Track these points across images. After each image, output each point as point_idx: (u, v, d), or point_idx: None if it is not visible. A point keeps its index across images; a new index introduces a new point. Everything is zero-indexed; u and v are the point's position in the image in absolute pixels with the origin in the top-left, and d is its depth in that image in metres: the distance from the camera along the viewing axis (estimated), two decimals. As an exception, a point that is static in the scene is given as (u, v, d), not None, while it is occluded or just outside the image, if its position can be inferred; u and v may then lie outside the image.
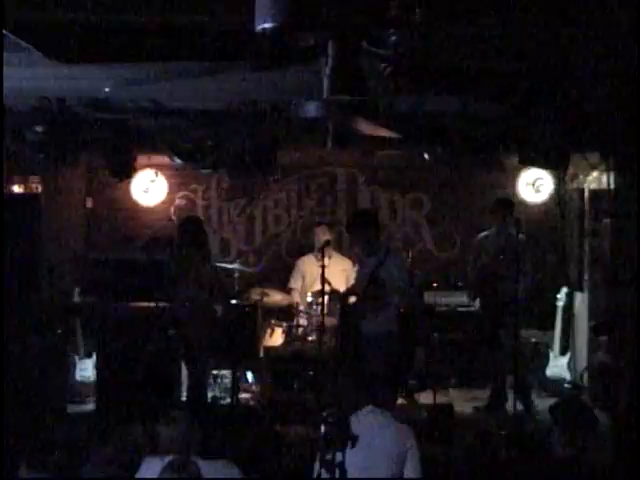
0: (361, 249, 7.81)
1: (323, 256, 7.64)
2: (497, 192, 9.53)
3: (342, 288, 8.81)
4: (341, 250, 9.39)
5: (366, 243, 7.61)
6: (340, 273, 8.88)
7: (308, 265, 9.08)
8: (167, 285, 7.72)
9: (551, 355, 9.22)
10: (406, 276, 7.71)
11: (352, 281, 8.71)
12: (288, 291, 9.18)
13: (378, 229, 7.71)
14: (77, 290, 9.09)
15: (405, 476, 4.72)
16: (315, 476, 4.21)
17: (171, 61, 4.23)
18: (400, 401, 7.88)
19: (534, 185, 9.91)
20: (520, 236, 7.85)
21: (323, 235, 8.77)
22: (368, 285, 7.51)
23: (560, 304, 9.35)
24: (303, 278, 9.07)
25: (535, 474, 4.45)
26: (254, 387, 8.77)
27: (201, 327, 7.57)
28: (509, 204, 8.59)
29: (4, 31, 3.85)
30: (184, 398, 8.01)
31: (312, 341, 8.47)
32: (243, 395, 8.53)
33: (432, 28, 3.61)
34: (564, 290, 9.40)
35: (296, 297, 9.01)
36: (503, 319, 8.26)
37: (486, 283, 8.54)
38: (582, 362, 9.17)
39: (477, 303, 9.11)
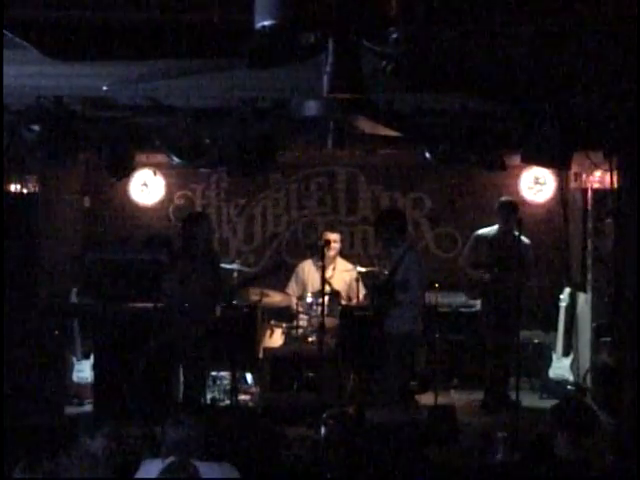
0: (383, 245, 8.33)
1: (323, 256, 7.68)
2: (499, 191, 9.53)
3: (344, 291, 8.89)
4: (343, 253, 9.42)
5: (388, 240, 8.02)
6: (343, 277, 8.94)
7: (309, 272, 9.09)
8: (166, 285, 7.72)
9: (554, 356, 9.23)
10: (416, 276, 7.79)
11: (354, 283, 8.77)
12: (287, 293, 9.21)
13: (402, 230, 7.90)
14: (74, 291, 9.09)
15: None
16: None
17: (169, 59, 4.22)
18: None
19: (536, 184, 9.92)
20: (525, 240, 7.89)
21: (334, 243, 8.83)
22: (386, 283, 7.74)
23: (563, 305, 9.35)
24: (303, 285, 9.07)
25: (537, 476, 4.46)
26: (253, 388, 8.78)
27: (200, 328, 7.58)
28: (514, 206, 8.61)
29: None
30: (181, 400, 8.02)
31: (312, 342, 8.48)
32: (242, 397, 8.54)
33: (433, 25, 3.61)
34: (567, 290, 9.41)
35: (292, 302, 9.04)
36: (504, 320, 8.29)
37: (489, 285, 8.58)
38: (585, 363, 9.17)
39: (478, 303, 9.14)
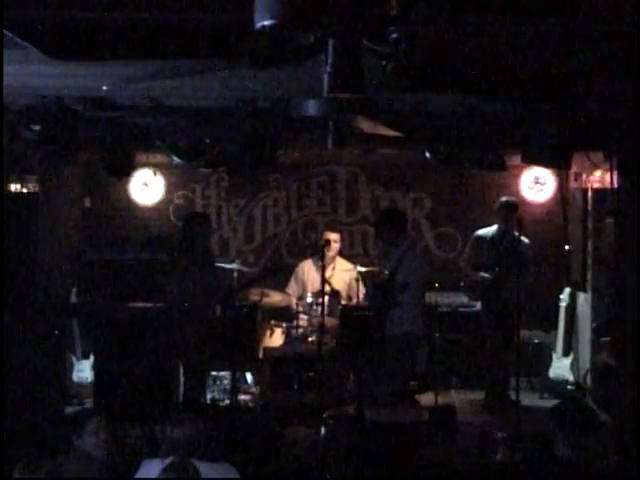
0: (383, 245, 8.41)
1: (323, 256, 7.68)
2: (499, 191, 9.54)
3: (344, 291, 8.89)
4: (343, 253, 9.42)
5: (388, 240, 8.02)
6: (343, 277, 8.94)
7: (309, 272, 9.09)
8: (165, 285, 7.72)
9: (554, 356, 9.23)
10: (416, 276, 7.79)
11: (354, 283, 8.77)
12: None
13: (402, 230, 7.91)
14: (74, 290, 9.10)
15: None
16: None
17: (170, 58, 4.22)
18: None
19: (536, 184, 9.93)
20: (524, 240, 7.90)
21: (334, 242, 8.84)
22: (386, 282, 7.74)
23: (563, 304, 9.35)
24: (303, 285, 9.07)
25: (537, 476, 4.46)
26: (253, 388, 8.78)
27: (199, 328, 7.58)
28: (514, 206, 8.63)
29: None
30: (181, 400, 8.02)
31: (312, 342, 8.48)
32: (242, 397, 8.53)
33: (433, 24, 3.62)
34: (567, 290, 9.41)
35: (292, 302, 9.04)
36: (504, 320, 8.30)
37: (489, 285, 8.58)
38: (585, 363, 9.17)
39: (478, 303, 9.14)
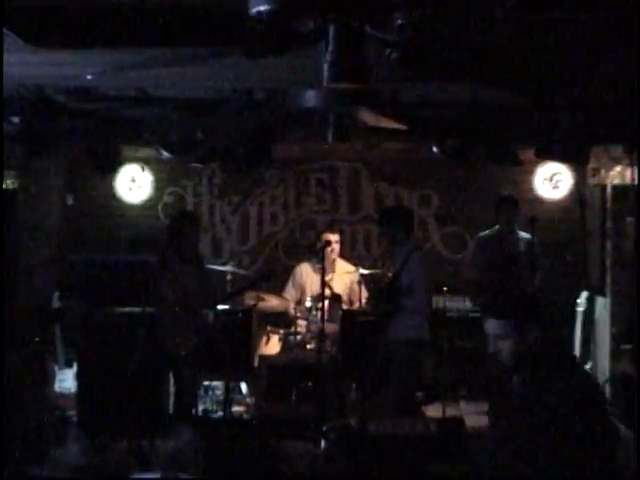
0: (387, 244, 8.34)
1: (323, 256, 7.69)
2: (511, 188, 9.54)
3: (345, 294, 8.89)
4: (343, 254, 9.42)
5: (392, 239, 7.94)
6: (343, 280, 8.95)
7: (307, 274, 9.09)
8: (153, 288, 7.73)
9: (570, 365, 9.22)
10: (422, 279, 7.78)
11: (356, 286, 8.78)
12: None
13: (408, 228, 7.88)
14: (56, 294, 9.10)
15: None
16: None
17: (159, 46, 4.23)
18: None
19: (552, 180, 9.94)
20: (532, 239, 7.90)
21: (334, 244, 8.84)
22: (389, 285, 7.74)
23: (580, 309, 9.36)
24: (302, 288, 9.08)
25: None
26: (248, 399, 8.79)
27: (190, 334, 7.59)
28: (514, 201, 8.55)
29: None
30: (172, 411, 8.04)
31: (311, 349, 8.49)
32: (237, 408, 8.55)
33: (441, 10, 3.62)
34: (584, 294, 9.41)
35: (289, 307, 9.05)
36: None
37: (497, 288, 8.58)
38: (604, 372, 9.18)
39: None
